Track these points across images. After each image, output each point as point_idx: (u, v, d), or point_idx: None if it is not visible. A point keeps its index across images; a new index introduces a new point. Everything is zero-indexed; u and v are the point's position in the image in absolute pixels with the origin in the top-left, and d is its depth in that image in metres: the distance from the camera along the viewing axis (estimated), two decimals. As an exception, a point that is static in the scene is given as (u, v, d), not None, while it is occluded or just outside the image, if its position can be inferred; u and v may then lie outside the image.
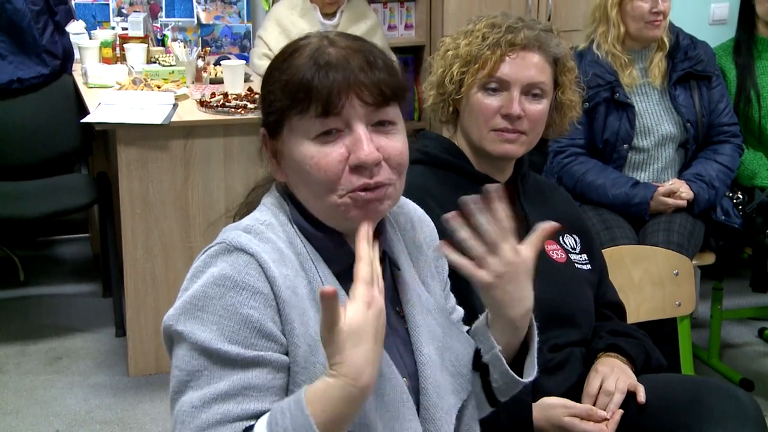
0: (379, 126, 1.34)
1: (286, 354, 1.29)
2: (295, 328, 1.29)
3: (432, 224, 1.59)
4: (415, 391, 1.42)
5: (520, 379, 1.49)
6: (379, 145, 1.33)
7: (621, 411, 1.82)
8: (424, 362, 1.44)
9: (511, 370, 1.48)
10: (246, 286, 1.27)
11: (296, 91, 1.31)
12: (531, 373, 1.50)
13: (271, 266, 1.29)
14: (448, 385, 1.47)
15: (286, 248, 1.34)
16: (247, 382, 1.26)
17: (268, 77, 1.37)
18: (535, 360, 1.50)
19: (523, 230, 1.95)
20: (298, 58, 1.33)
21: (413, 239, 1.54)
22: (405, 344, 1.45)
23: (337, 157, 1.31)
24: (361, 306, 1.21)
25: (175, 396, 1.28)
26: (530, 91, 1.89)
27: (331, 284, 1.35)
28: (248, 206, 1.47)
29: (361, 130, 1.32)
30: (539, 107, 1.91)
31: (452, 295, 1.62)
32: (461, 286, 1.81)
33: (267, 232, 1.34)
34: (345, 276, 1.38)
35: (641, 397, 1.84)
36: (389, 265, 1.47)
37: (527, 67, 1.88)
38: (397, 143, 1.35)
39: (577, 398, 1.87)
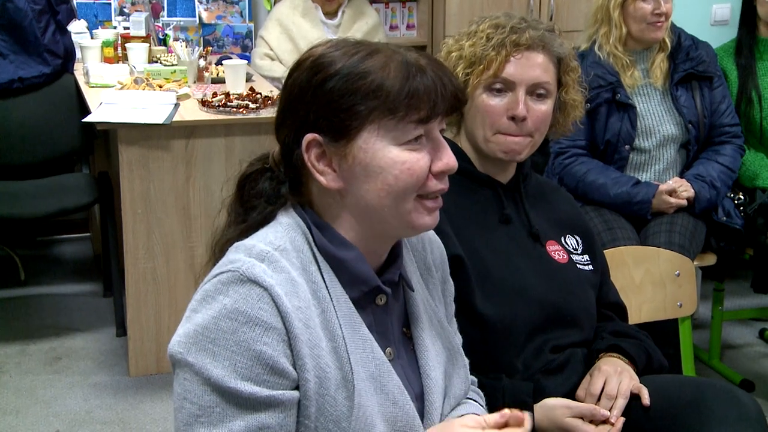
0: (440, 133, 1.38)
1: (297, 388, 1.29)
2: (306, 363, 1.28)
3: (442, 246, 1.60)
4: (420, 414, 1.42)
5: None
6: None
7: (623, 419, 1.81)
8: (431, 386, 1.45)
9: None
10: (259, 322, 1.26)
11: (402, 98, 1.30)
12: None
13: (285, 300, 1.27)
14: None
15: (299, 276, 1.31)
16: (262, 423, 1.26)
17: (329, 82, 1.31)
18: None
19: (525, 231, 1.96)
20: (385, 66, 1.31)
21: (424, 260, 1.55)
22: (411, 366, 1.45)
23: (427, 163, 1.34)
24: (473, 424, 1.36)
25: (183, 428, 1.27)
26: (535, 91, 1.89)
27: (345, 312, 1.35)
28: (261, 221, 1.41)
29: (441, 137, 1.36)
30: (543, 107, 1.90)
31: (455, 321, 1.63)
32: (465, 289, 1.81)
33: (281, 261, 1.31)
34: (362, 302, 1.38)
35: (645, 399, 1.83)
36: (403, 285, 1.47)
37: (532, 67, 1.88)
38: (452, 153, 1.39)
39: (578, 399, 1.87)
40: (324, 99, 1.32)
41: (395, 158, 1.31)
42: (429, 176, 1.34)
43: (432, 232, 1.57)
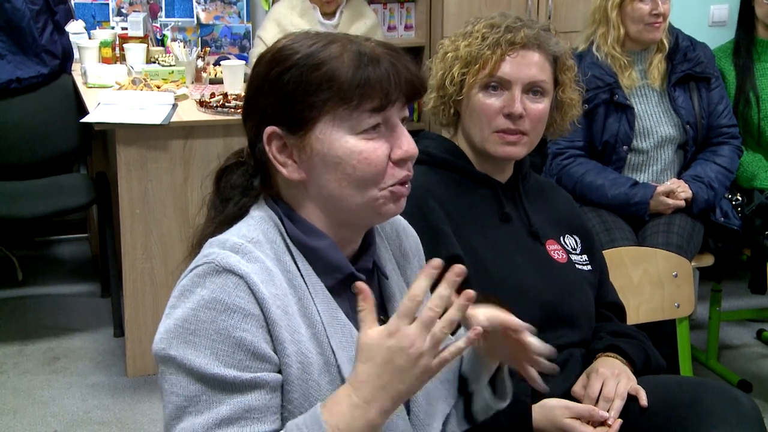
0: (402, 121, 1.37)
1: (279, 372, 1.30)
2: (286, 348, 1.29)
3: (416, 235, 1.61)
4: None
5: (501, 403, 1.56)
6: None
7: (620, 420, 1.81)
8: None
9: (494, 397, 1.54)
10: (237, 309, 1.26)
11: (354, 87, 1.30)
12: (508, 395, 1.57)
13: (261, 287, 1.28)
14: (437, 391, 1.50)
15: (273, 266, 1.33)
16: (248, 405, 1.26)
17: (286, 74, 1.33)
18: (509, 385, 1.56)
19: (524, 230, 1.96)
20: (338, 56, 1.31)
21: (399, 248, 1.56)
22: None
23: (385, 152, 1.34)
24: (383, 331, 1.23)
25: (172, 422, 1.27)
26: (531, 89, 1.90)
27: (322, 299, 1.36)
28: (236, 212, 1.42)
29: (400, 125, 1.36)
30: (540, 106, 1.91)
31: None
32: (463, 288, 1.81)
33: (255, 251, 1.32)
34: (338, 290, 1.39)
35: (643, 401, 1.84)
36: (377, 273, 1.48)
37: (528, 65, 1.89)
38: (412, 139, 1.39)
39: (576, 400, 1.87)
40: (280, 91, 1.34)
41: (352, 148, 1.32)
42: (389, 164, 1.34)
43: (405, 221, 1.59)
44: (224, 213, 1.42)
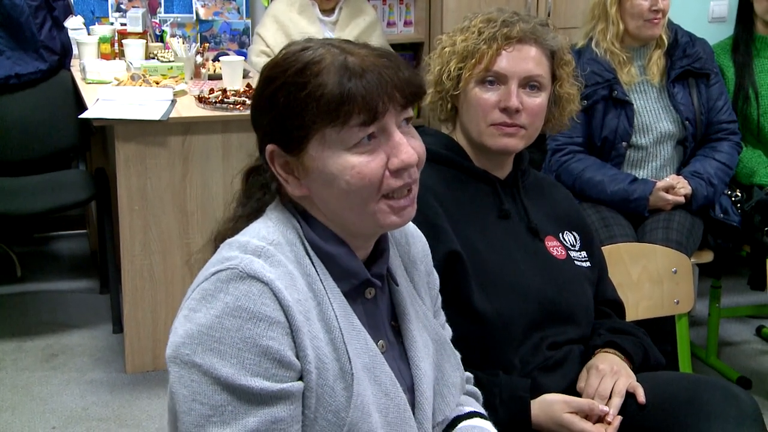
0: (403, 125, 1.35)
1: (301, 379, 1.29)
2: (307, 354, 1.29)
3: (424, 240, 1.60)
4: (411, 404, 1.43)
5: None
6: (411, 145, 1.34)
7: (620, 417, 1.81)
8: (421, 377, 1.45)
9: None
10: (263, 317, 1.26)
11: (337, 105, 1.28)
12: None
13: (285, 294, 1.27)
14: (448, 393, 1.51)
15: (295, 270, 1.32)
16: (274, 416, 1.26)
17: (278, 94, 1.32)
18: None
19: (523, 227, 1.96)
20: (322, 73, 1.29)
21: (408, 253, 1.56)
22: (402, 358, 1.46)
23: (379, 164, 1.31)
24: None
25: (195, 430, 1.26)
26: (528, 84, 1.89)
27: (339, 304, 1.35)
28: (256, 209, 1.42)
29: (397, 132, 1.33)
30: (537, 100, 1.90)
31: (442, 313, 1.63)
32: (462, 284, 1.81)
33: (277, 255, 1.31)
34: (353, 294, 1.39)
35: (641, 398, 1.84)
36: (388, 280, 1.47)
37: (524, 60, 1.88)
38: (419, 142, 1.37)
39: (575, 395, 1.87)
40: (274, 111, 1.33)
41: (344, 164, 1.30)
42: (386, 174, 1.32)
43: (413, 226, 1.58)
44: (245, 209, 1.43)
